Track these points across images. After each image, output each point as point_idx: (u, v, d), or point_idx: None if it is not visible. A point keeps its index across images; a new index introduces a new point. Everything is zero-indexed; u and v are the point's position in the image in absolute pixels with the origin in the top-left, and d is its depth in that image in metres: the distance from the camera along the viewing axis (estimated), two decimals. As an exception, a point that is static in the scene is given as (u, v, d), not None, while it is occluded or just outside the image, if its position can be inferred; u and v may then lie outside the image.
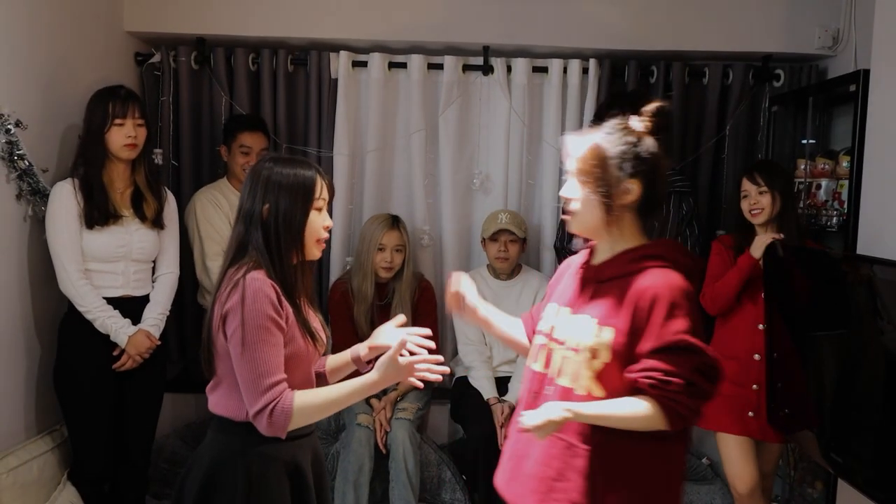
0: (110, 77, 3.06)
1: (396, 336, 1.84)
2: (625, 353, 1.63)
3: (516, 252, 3.33)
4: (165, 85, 3.50)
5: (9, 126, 2.51)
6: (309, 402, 1.74)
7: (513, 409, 3.14)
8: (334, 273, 3.55)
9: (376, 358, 1.83)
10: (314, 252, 1.86)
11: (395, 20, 3.44)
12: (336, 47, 3.52)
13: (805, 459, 3.13)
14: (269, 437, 1.76)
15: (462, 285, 1.98)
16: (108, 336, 2.63)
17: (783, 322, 2.58)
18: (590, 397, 1.65)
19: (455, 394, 3.39)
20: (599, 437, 1.64)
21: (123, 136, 2.63)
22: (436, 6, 3.44)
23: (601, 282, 1.72)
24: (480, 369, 3.26)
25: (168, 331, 2.85)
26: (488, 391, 3.20)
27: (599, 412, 1.61)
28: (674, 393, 1.56)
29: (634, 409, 1.60)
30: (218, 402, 1.84)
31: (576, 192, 1.73)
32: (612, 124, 1.73)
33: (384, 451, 3.12)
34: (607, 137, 1.70)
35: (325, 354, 2.00)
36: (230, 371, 1.78)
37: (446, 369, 1.81)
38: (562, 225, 3.32)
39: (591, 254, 1.81)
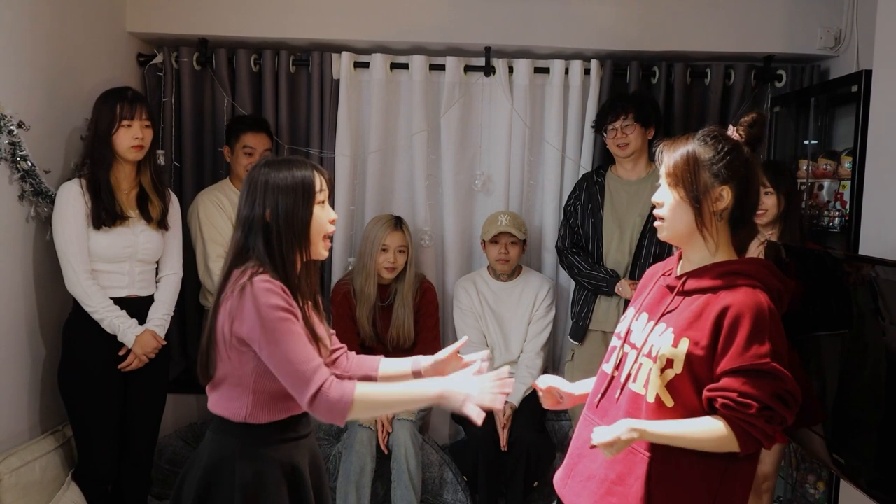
0: (113, 78, 3.06)
1: (470, 378, 1.79)
2: (699, 368, 1.61)
3: (517, 254, 3.32)
4: (167, 86, 3.50)
5: (11, 127, 2.52)
6: (370, 396, 1.73)
7: (514, 409, 3.14)
8: (336, 273, 3.55)
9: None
10: (321, 251, 1.85)
11: (396, 21, 3.45)
12: (338, 48, 3.53)
13: (807, 460, 3.12)
14: (268, 437, 1.76)
15: (553, 383, 1.95)
16: (113, 336, 2.63)
17: (784, 322, 2.57)
18: (659, 405, 1.64)
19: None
20: (665, 447, 1.62)
21: (131, 137, 2.64)
22: (437, 7, 3.44)
23: (686, 293, 1.70)
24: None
25: (170, 331, 2.86)
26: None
27: (670, 432, 1.59)
28: (749, 416, 1.55)
29: (706, 431, 1.57)
30: (217, 402, 1.84)
31: (667, 198, 1.71)
32: (706, 131, 1.72)
33: (386, 451, 3.12)
34: (700, 143, 1.69)
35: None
36: (231, 372, 1.78)
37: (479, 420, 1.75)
38: (563, 226, 3.31)
39: (678, 262, 1.79)
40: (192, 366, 3.62)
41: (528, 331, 3.37)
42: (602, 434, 1.57)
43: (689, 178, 1.66)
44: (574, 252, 3.22)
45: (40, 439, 2.70)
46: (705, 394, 1.60)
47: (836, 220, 2.99)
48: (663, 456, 1.62)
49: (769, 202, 2.70)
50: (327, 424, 3.38)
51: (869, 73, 2.70)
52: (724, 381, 1.57)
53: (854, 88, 2.84)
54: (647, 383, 1.66)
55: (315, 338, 1.82)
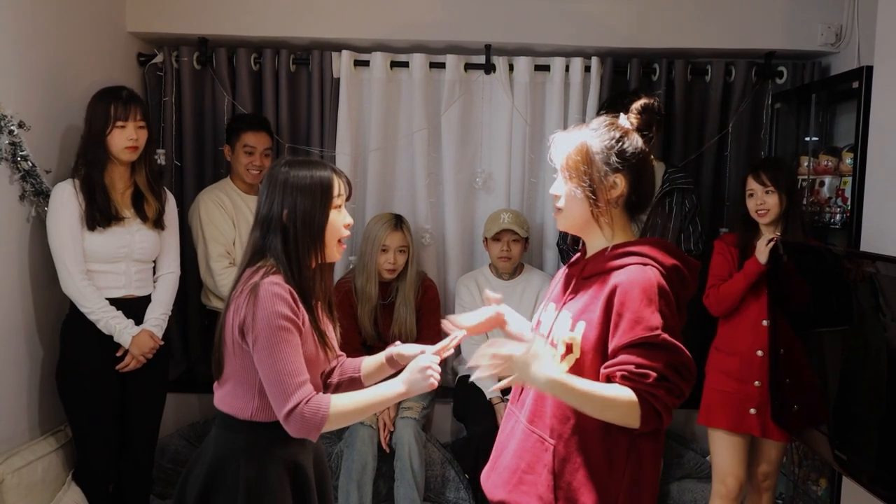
0: (113, 78, 3.06)
1: (423, 356, 1.82)
2: (597, 348, 1.63)
3: (519, 251, 3.32)
4: (168, 85, 3.50)
5: (12, 127, 2.52)
6: (342, 409, 1.74)
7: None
8: (338, 272, 3.55)
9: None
10: (335, 253, 1.86)
11: (396, 19, 3.44)
12: (338, 47, 3.52)
13: (809, 457, 3.12)
14: (272, 435, 1.77)
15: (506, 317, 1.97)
16: (110, 336, 2.63)
17: (787, 318, 2.58)
18: None
19: (458, 392, 3.40)
20: (567, 433, 1.65)
21: (125, 138, 2.63)
22: (437, 5, 3.44)
23: (584, 278, 1.73)
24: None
25: (172, 331, 2.86)
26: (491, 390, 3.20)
27: (581, 386, 1.58)
28: (649, 386, 1.55)
29: (615, 394, 1.56)
30: (223, 398, 1.84)
31: (561, 190, 1.74)
32: (598, 121, 1.74)
33: (387, 450, 3.12)
34: (592, 134, 1.71)
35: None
36: (238, 370, 1.79)
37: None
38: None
39: (583, 251, 1.82)
40: (194, 365, 3.63)
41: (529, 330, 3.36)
42: (515, 348, 1.59)
43: (581, 170, 1.69)
44: (575, 250, 3.22)
45: (42, 439, 2.70)
46: (603, 371, 1.61)
47: (838, 217, 2.98)
48: (566, 442, 1.65)
49: (771, 201, 2.70)
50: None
51: (870, 69, 2.69)
52: (620, 357, 1.58)
53: (855, 84, 2.84)
54: None
55: (322, 340, 1.83)
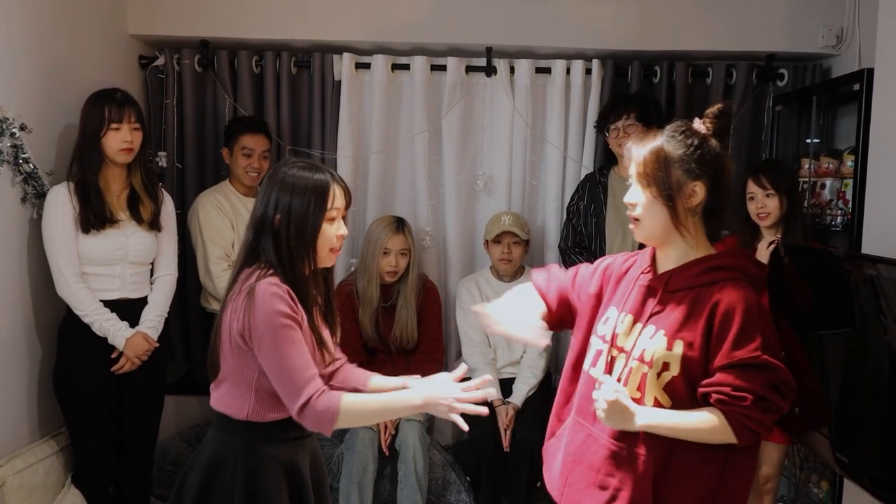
0: (114, 80, 3.07)
1: (450, 384, 1.79)
2: (694, 368, 1.61)
3: (520, 254, 3.32)
4: (169, 88, 3.51)
5: (13, 130, 2.52)
6: (356, 407, 1.74)
7: (517, 410, 3.14)
8: (339, 274, 3.55)
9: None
10: (326, 260, 1.85)
11: (397, 22, 3.45)
12: (339, 49, 3.53)
13: (811, 459, 3.12)
14: (269, 436, 1.77)
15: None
16: (106, 339, 2.63)
17: (788, 321, 2.57)
18: (657, 407, 1.64)
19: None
20: (663, 446, 1.63)
21: (119, 140, 2.62)
22: (438, 8, 3.44)
23: (670, 292, 1.69)
24: (484, 371, 3.25)
25: (172, 333, 2.85)
26: (492, 393, 3.20)
27: (670, 422, 1.60)
28: (744, 408, 1.55)
29: (704, 422, 1.58)
30: (220, 399, 1.84)
31: (639, 198, 1.69)
32: (673, 127, 1.71)
33: (387, 453, 3.12)
34: (669, 140, 1.68)
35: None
36: (234, 370, 1.79)
37: (484, 410, 1.78)
38: (566, 226, 3.31)
39: (654, 260, 1.77)
40: (195, 367, 3.63)
41: (530, 331, 3.36)
42: (609, 391, 1.58)
43: (660, 177, 1.65)
44: (577, 252, 3.22)
45: (42, 442, 2.70)
46: (700, 390, 1.61)
47: (839, 219, 2.98)
48: (663, 455, 1.63)
49: (771, 204, 2.69)
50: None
51: (871, 71, 2.69)
52: (718, 377, 1.58)
53: (856, 87, 2.84)
54: (642, 387, 1.66)
55: (320, 342, 1.83)
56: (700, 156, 1.65)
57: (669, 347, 1.63)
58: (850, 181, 2.89)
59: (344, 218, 1.87)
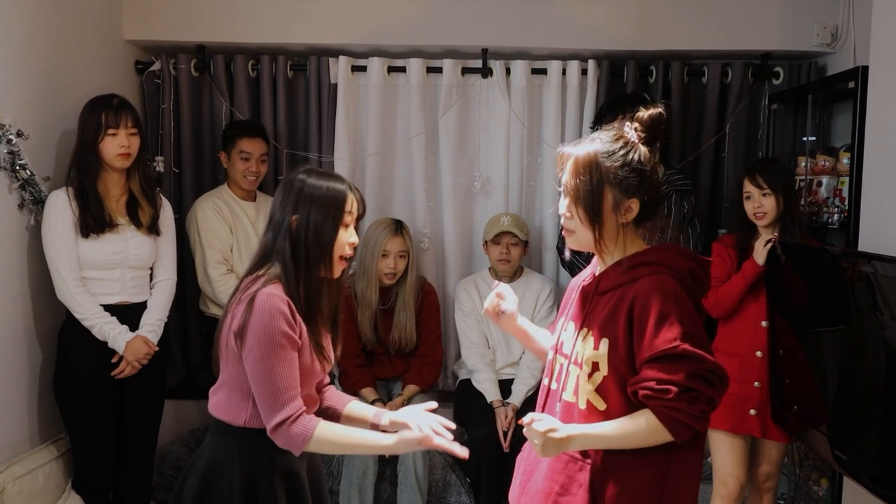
0: (111, 85, 3.07)
1: (422, 420, 1.81)
2: (622, 365, 1.60)
3: (518, 254, 3.32)
4: (166, 92, 3.51)
5: (10, 136, 2.53)
6: (328, 436, 1.77)
7: (516, 411, 3.14)
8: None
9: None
10: (335, 269, 1.85)
11: (393, 24, 3.45)
12: (335, 52, 3.53)
13: (810, 457, 3.12)
14: (266, 442, 1.78)
15: (504, 294, 1.93)
16: (106, 343, 2.64)
17: (786, 319, 2.58)
18: (591, 410, 1.63)
19: (458, 396, 3.40)
20: (604, 451, 1.62)
21: (117, 145, 2.64)
22: (434, 10, 3.45)
23: (600, 294, 1.69)
24: (484, 372, 3.26)
25: (171, 338, 2.85)
26: (492, 394, 3.20)
27: (604, 432, 1.58)
28: (670, 401, 1.53)
29: (637, 424, 1.57)
30: (217, 404, 1.85)
31: (572, 211, 1.69)
32: (608, 138, 1.67)
33: (387, 455, 3.12)
34: (605, 156, 1.64)
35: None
36: (232, 377, 1.80)
37: (464, 453, 1.79)
38: (562, 228, 3.31)
39: (596, 266, 1.79)
40: (194, 372, 3.63)
41: (529, 332, 3.36)
42: (536, 427, 1.57)
43: (593, 198, 1.64)
44: (575, 252, 3.21)
45: (42, 447, 2.71)
46: (629, 388, 1.59)
47: (836, 217, 2.98)
48: (603, 459, 1.62)
49: (768, 203, 2.70)
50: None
51: (866, 68, 2.70)
52: (643, 372, 1.57)
53: (851, 84, 2.84)
54: (577, 390, 1.66)
55: (320, 352, 1.84)
56: (638, 174, 1.63)
57: (596, 346, 1.63)
58: (847, 179, 2.89)
59: (356, 228, 1.88)
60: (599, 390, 1.63)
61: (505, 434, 3.09)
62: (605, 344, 1.62)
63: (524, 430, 1.62)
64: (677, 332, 1.54)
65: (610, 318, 1.63)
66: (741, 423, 2.70)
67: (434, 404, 1.90)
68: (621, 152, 1.64)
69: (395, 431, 1.83)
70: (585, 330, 1.68)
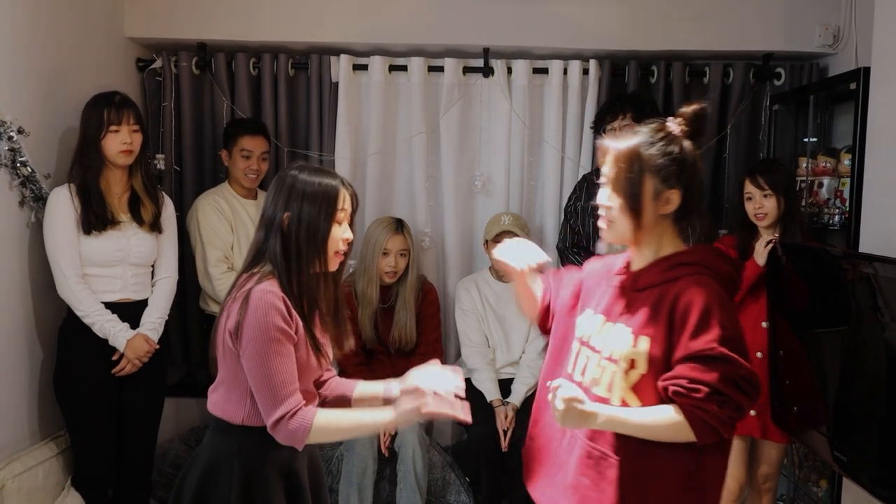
0: (112, 83, 3.07)
1: (428, 380, 1.84)
2: (661, 364, 1.60)
3: (518, 254, 3.32)
4: (167, 90, 3.51)
5: (11, 133, 2.52)
6: (328, 424, 1.76)
7: (516, 410, 3.14)
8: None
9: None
10: (330, 264, 1.85)
11: (394, 23, 3.45)
12: (336, 51, 3.53)
13: (810, 458, 3.12)
14: (265, 440, 1.78)
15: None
16: (107, 341, 2.63)
17: (786, 320, 2.58)
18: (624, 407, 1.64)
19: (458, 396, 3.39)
20: (632, 448, 1.62)
21: (119, 142, 2.64)
22: (435, 8, 3.45)
23: (638, 290, 1.69)
24: (484, 371, 3.26)
25: (171, 336, 2.85)
26: (492, 393, 3.20)
27: (629, 417, 1.59)
28: (700, 401, 1.53)
29: (660, 417, 1.57)
30: (216, 402, 1.86)
31: (613, 202, 1.68)
32: (649, 130, 1.68)
33: (387, 453, 3.12)
34: (647, 146, 1.65)
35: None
36: (230, 375, 1.80)
37: (467, 417, 1.83)
38: (564, 227, 3.32)
39: (629, 261, 1.78)
40: (194, 370, 3.63)
41: (530, 331, 3.37)
42: (565, 391, 1.56)
43: (635, 186, 1.64)
44: (575, 252, 3.22)
45: (42, 445, 2.70)
46: (660, 384, 1.60)
47: (837, 218, 2.98)
48: (632, 457, 1.62)
49: (769, 204, 2.70)
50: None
51: (867, 70, 2.70)
52: (676, 369, 1.57)
53: (853, 86, 2.84)
54: (611, 386, 1.66)
55: (317, 348, 1.83)
56: (678, 164, 1.64)
57: (634, 344, 1.63)
58: (848, 180, 2.89)
59: (351, 223, 1.88)
60: (636, 388, 1.63)
61: (504, 433, 3.09)
62: (644, 342, 1.62)
63: (548, 395, 1.61)
64: (716, 334, 1.55)
65: (649, 316, 1.63)
66: (741, 424, 2.68)
67: (459, 368, 1.93)
68: (662, 143, 1.65)
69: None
70: (621, 326, 1.67)
